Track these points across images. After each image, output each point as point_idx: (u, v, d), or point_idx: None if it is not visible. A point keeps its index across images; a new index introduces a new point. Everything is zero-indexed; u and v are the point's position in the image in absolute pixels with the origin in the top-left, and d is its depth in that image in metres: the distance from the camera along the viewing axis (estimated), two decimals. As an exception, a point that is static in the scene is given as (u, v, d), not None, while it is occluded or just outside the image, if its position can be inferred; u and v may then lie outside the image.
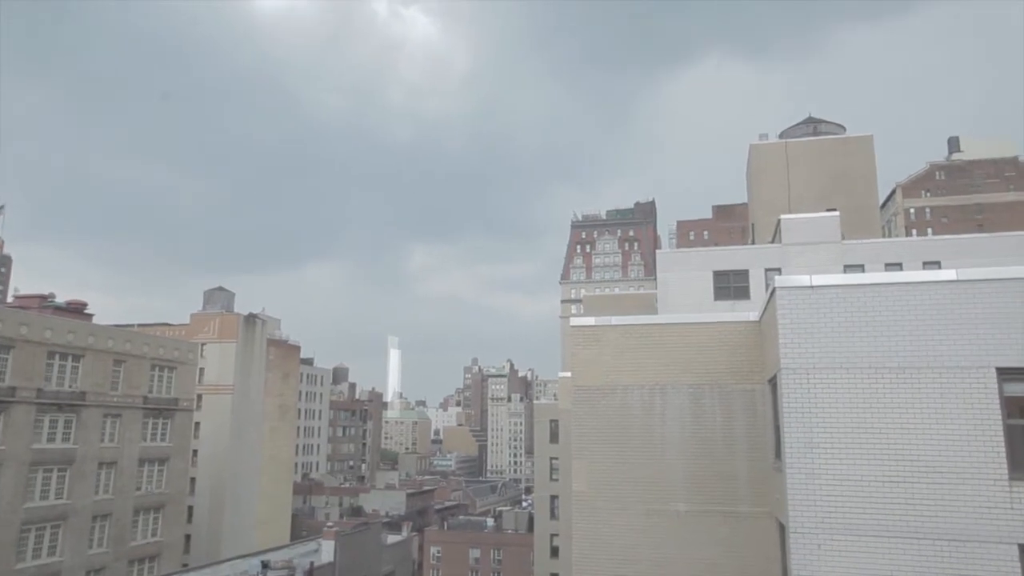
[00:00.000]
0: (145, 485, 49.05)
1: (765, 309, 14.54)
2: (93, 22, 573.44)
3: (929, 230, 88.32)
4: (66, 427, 43.36)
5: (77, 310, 50.64)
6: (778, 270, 30.76)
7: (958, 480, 10.95)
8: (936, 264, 29.36)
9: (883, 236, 59.76)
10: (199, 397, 62.14)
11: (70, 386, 43.86)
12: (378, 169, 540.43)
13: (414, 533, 75.63)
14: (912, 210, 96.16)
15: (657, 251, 41.05)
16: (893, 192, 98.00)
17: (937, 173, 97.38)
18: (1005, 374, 11.10)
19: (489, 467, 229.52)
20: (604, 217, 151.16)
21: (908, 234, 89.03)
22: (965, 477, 10.93)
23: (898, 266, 30.31)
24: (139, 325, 67.63)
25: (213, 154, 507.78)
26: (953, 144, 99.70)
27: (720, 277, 32.80)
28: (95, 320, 50.97)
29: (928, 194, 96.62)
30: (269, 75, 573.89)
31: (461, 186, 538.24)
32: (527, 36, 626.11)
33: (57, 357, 43.14)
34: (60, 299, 53.75)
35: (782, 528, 12.95)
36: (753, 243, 44.05)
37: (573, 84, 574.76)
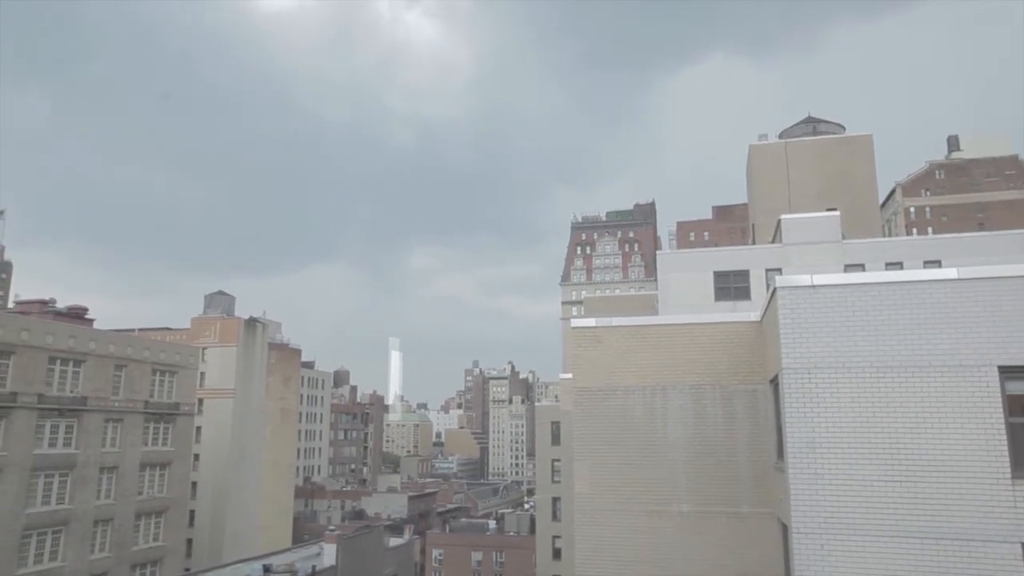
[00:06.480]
0: (147, 490, 49.02)
1: (766, 309, 14.52)
2: (92, 23, 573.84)
3: (929, 229, 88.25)
4: (67, 432, 43.34)
5: (78, 315, 50.68)
6: (779, 270, 30.71)
7: (961, 479, 10.91)
8: (937, 263, 29.32)
9: (883, 235, 59.71)
10: (200, 401, 62.07)
11: (71, 391, 43.84)
12: (380, 172, 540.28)
13: (416, 536, 75.48)
14: (912, 209, 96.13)
15: (657, 252, 41.06)
16: (893, 191, 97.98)
17: (937, 172, 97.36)
18: (1007, 372, 11.06)
19: (491, 469, 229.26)
20: (604, 218, 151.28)
21: (908, 233, 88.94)
22: (968, 476, 10.89)
23: (899, 265, 30.27)
24: (140, 330, 67.61)
25: (214, 157, 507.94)
26: (953, 143, 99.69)
27: (721, 278, 32.79)
28: (96, 325, 50.97)
29: (928, 193, 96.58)
30: (271, 78, 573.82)
31: (463, 188, 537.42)
32: (529, 38, 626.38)
33: (58, 362, 43.15)
34: (61, 304, 53.80)
35: (785, 529, 12.92)
36: (753, 243, 44.03)
37: (575, 85, 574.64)
